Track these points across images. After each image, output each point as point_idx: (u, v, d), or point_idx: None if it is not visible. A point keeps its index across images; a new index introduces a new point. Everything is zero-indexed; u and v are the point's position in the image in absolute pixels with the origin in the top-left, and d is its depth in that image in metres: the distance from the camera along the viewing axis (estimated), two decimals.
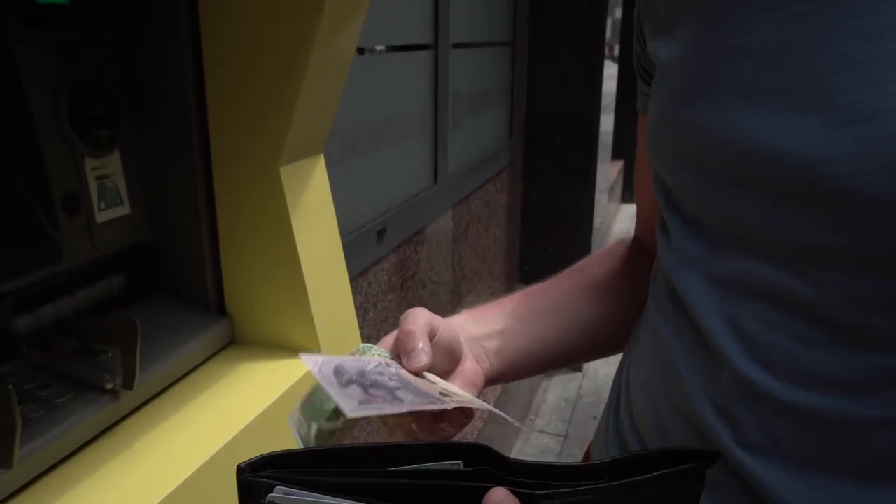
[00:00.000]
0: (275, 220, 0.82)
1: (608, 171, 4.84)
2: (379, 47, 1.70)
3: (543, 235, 3.47)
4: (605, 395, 0.87)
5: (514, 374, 0.68)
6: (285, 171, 0.81)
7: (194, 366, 0.80)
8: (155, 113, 0.79)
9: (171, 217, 0.83)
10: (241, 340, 0.88)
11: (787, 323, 0.46)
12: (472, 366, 0.62)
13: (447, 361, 0.59)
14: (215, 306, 0.87)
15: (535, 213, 3.44)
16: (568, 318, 0.72)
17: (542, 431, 2.93)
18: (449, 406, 0.49)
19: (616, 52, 4.77)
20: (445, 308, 2.25)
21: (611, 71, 3.84)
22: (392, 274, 1.80)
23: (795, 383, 0.46)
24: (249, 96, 0.78)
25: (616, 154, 5.42)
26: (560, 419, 3.03)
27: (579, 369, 3.41)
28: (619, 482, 0.40)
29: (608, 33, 3.43)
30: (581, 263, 0.77)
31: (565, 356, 0.73)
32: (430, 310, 0.59)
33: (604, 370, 3.39)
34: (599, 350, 0.75)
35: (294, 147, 0.81)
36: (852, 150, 0.41)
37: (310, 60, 0.74)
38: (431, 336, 0.56)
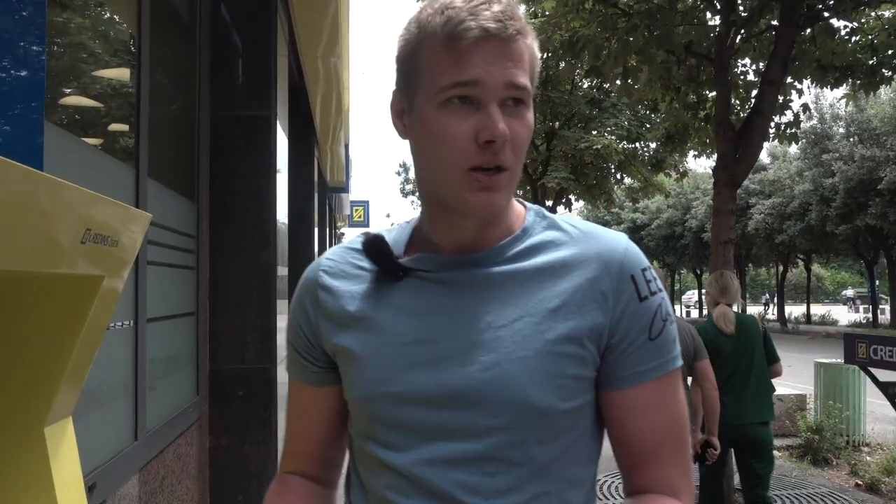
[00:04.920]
0: (37, 476, 0.89)
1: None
2: None
3: (231, 483, 3.43)
4: None
5: None
6: (48, 431, 0.91)
7: None
8: None
9: None
10: None
11: (475, 465, 0.85)
12: None
13: None
14: None
15: (222, 463, 3.42)
16: None
17: None
18: None
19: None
20: None
21: (283, 324, 4.13)
22: None
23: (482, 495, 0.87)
24: (18, 368, 0.89)
25: None
26: None
27: None
28: None
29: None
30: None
31: None
32: None
33: None
34: None
35: (56, 410, 0.92)
36: (484, 377, 0.84)
37: (76, 341, 0.90)
38: None
